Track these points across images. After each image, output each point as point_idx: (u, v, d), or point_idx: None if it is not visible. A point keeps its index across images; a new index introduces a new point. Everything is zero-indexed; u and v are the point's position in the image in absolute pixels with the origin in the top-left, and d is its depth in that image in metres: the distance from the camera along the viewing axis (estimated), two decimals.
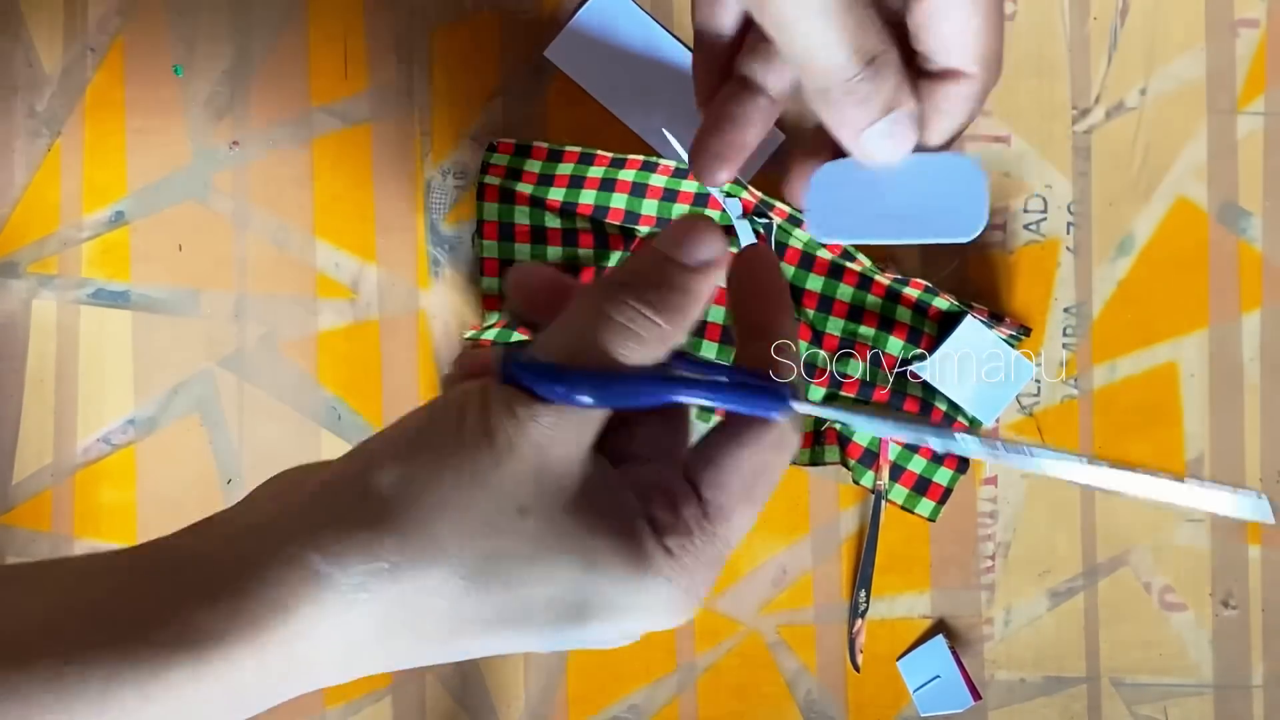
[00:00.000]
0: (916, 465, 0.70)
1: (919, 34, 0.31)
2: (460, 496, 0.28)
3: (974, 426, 0.70)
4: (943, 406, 0.70)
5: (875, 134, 0.31)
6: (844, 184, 0.33)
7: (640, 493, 0.30)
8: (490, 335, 0.69)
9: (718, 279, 0.31)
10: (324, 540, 0.27)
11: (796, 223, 0.68)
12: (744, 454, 0.31)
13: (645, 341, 0.30)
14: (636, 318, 0.29)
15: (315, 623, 0.27)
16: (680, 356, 0.31)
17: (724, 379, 0.31)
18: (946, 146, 0.32)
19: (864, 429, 0.31)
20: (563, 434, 0.28)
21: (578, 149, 0.70)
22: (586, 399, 0.29)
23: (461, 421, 0.28)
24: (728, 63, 0.35)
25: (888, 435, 0.33)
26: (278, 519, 0.28)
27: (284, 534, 0.28)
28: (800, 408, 0.31)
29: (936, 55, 0.31)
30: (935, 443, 0.31)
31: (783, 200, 0.67)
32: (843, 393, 0.70)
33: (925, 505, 0.71)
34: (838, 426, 0.69)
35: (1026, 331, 0.70)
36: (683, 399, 0.30)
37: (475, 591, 0.28)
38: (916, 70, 0.32)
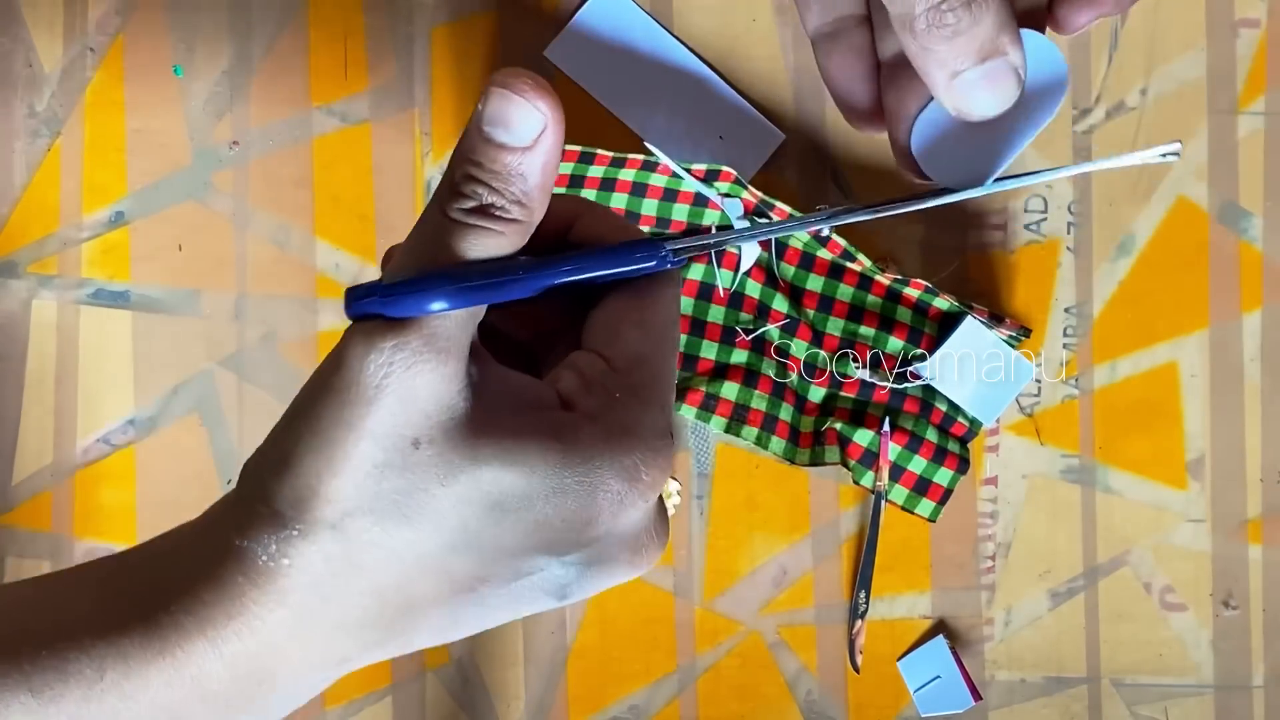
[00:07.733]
0: (916, 466, 0.70)
1: None
2: (344, 449, 0.26)
3: (974, 428, 0.70)
4: (943, 407, 0.70)
5: (967, 83, 0.28)
6: (948, 123, 0.30)
7: (549, 381, 0.29)
8: None
9: (560, 142, 0.28)
10: (239, 519, 0.27)
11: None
12: (633, 302, 0.29)
13: (499, 235, 0.27)
14: (481, 216, 0.27)
15: (256, 600, 0.27)
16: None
17: (590, 252, 0.29)
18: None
19: (740, 240, 0.30)
20: (432, 351, 0.26)
21: (578, 148, 0.70)
22: (441, 304, 0.26)
23: (326, 373, 0.27)
24: (866, 57, 0.33)
25: (759, 238, 0.33)
26: (213, 510, 0.29)
27: (216, 522, 0.28)
28: (677, 245, 0.29)
29: None
30: (797, 227, 0.30)
31: (786, 203, 0.67)
32: (843, 393, 0.70)
33: (925, 505, 0.71)
34: (837, 426, 0.69)
35: (1027, 333, 0.70)
36: (555, 280, 0.28)
37: (405, 532, 0.27)
38: None
